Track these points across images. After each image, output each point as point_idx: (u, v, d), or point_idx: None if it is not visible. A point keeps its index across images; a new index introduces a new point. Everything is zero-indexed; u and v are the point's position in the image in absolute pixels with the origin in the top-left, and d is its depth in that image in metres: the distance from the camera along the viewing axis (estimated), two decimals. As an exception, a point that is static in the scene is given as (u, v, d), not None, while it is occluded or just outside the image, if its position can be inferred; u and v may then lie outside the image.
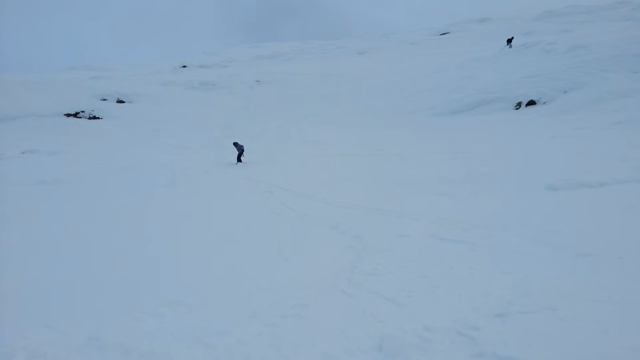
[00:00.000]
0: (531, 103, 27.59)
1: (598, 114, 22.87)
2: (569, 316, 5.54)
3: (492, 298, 6.37)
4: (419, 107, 32.09)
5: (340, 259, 9.15)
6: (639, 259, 7.20)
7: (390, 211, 12.08)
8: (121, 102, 38.37)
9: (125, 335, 6.23)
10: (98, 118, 33.93)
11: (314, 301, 6.98)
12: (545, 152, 16.61)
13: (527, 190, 12.62)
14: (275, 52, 65.91)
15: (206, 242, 10.69)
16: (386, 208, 12.34)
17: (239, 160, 20.35)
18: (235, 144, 20.62)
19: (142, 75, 53.53)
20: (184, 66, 63.16)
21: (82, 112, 34.44)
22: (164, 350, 5.67)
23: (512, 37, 44.63)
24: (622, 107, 22.75)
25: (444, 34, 65.98)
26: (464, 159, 16.87)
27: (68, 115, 33.87)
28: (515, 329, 5.42)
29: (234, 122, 31.37)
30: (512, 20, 64.63)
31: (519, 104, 27.94)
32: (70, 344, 6.14)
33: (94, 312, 7.11)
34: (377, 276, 7.95)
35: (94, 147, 25.17)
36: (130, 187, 16.36)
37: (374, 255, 9.09)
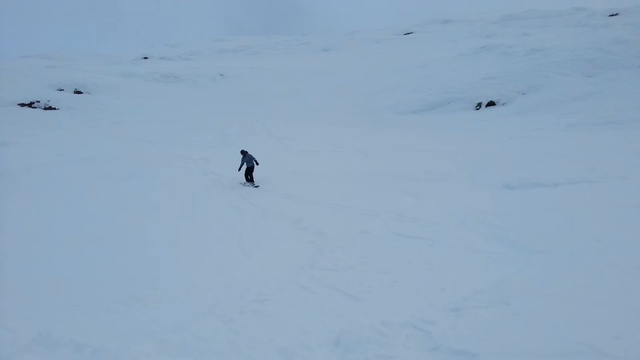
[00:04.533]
0: (491, 104, 28.27)
1: (554, 116, 23.65)
2: (521, 311, 5.71)
3: (448, 293, 6.50)
4: (382, 105, 32.38)
5: (301, 255, 9.16)
6: (589, 256, 7.47)
7: (352, 207, 12.17)
8: (79, 92, 37.13)
9: (77, 332, 6.05)
10: (54, 109, 32.73)
11: (273, 296, 6.96)
12: (503, 152, 17.05)
13: (485, 188, 12.94)
14: (240, 46, 65.23)
15: (163, 237, 10.47)
16: (348, 204, 12.42)
17: (248, 179, 15.56)
18: (243, 153, 15.66)
19: (101, 66, 52.03)
20: (145, 57, 61.73)
21: (37, 102, 33.15)
22: (116, 346, 5.53)
23: None
24: (577, 110, 23.61)
25: (408, 33, 66.79)
26: (425, 157, 17.12)
27: (22, 105, 32.52)
28: (469, 323, 5.54)
29: (197, 115, 30.89)
30: (473, 23, 66.01)
31: (479, 105, 28.57)
32: (18, 341, 5.91)
33: (45, 309, 6.87)
34: (337, 272, 8.00)
35: (48, 138, 24.30)
36: (85, 179, 15.86)
37: (334, 251, 9.15)
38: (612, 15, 48.52)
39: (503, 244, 8.53)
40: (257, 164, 15.63)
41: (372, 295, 6.82)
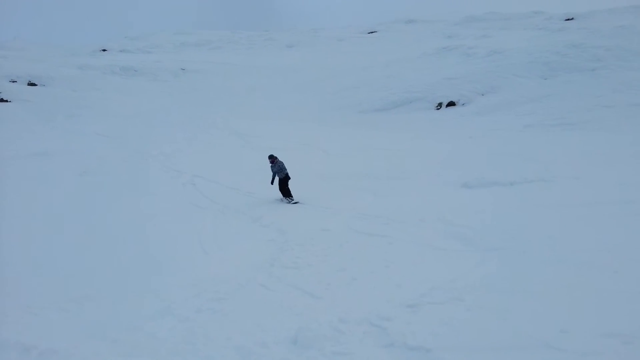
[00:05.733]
0: (451, 104, 28.79)
1: (511, 116, 24.30)
2: (475, 306, 5.85)
3: (405, 290, 6.60)
4: (346, 104, 32.51)
5: (262, 253, 9.12)
6: (541, 252, 7.73)
7: (314, 205, 12.18)
8: (33, 84, 35.77)
9: (25, 333, 5.83)
10: (6, 101, 31.44)
11: (232, 295, 6.90)
12: (462, 152, 17.41)
13: (445, 187, 13.20)
14: (202, 40, 64.04)
15: (121, 235, 10.24)
16: (309, 202, 12.42)
17: (284, 192, 12.90)
18: (272, 160, 13.18)
19: (58, 57, 50.21)
20: (104, 50, 59.94)
21: (-12, 93, 31.78)
22: (66, 347, 5.37)
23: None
24: (533, 111, 24.34)
25: (372, 32, 67.19)
26: (386, 156, 17.30)
27: (-30, 96, 31.13)
28: (424, 319, 5.64)
29: (157, 110, 30.26)
30: (435, 24, 66.94)
31: (439, 105, 29.07)
32: (-38, 344, 5.65)
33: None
34: (297, 269, 8.00)
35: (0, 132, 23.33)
36: (37, 175, 15.32)
37: (295, 248, 9.15)
38: (568, 19, 50.13)
39: (460, 241, 8.71)
40: (289, 176, 12.98)
41: (330, 292, 6.85)
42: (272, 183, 13.14)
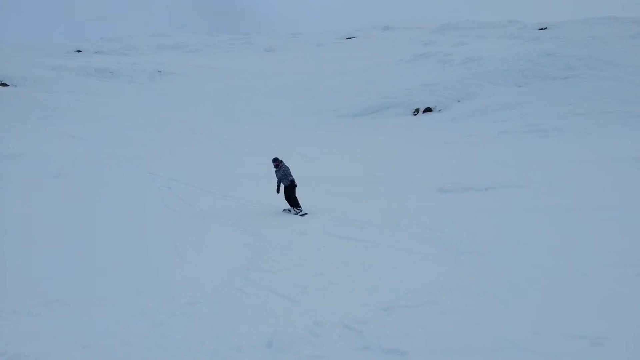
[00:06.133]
0: (428, 110, 29.16)
1: (486, 123, 24.72)
2: (448, 309, 5.93)
3: (381, 293, 6.64)
4: (324, 108, 32.63)
5: (238, 257, 9.06)
6: (514, 256, 7.87)
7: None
8: (4, 85, 35.03)
9: (-7, 338, 5.68)
10: (-24, 101, 30.69)
11: (207, 299, 6.83)
12: (438, 157, 17.63)
13: (421, 192, 13.33)
14: (179, 43, 63.56)
15: (94, 238, 10.06)
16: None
17: (291, 203, 11.67)
18: (277, 164, 11.78)
19: (31, 58, 49.25)
20: (79, 51, 59.06)
21: (-43, 93, 30.99)
22: (37, 352, 5.24)
23: None
24: (507, 118, 24.80)
25: (350, 38, 67.70)
26: (364, 160, 17.40)
27: (-61, 96, 30.31)
28: (399, 322, 5.69)
29: (133, 113, 29.90)
30: (413, 30, 67.84)
31: (416, 110, 29.40)
32: None
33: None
34: (274, 273, 7.97)
35: (-31, 132, 22.74)
36: (12, 177, 14.97)
37: (272, 252, 9.12)
38: (542, 29, 51.31)
39: (435, 245, 8.81)
40: (295, 183, 11.67)
41: (307, 296, 6.84)
42: (277, 191, 11.93)
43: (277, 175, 11.96)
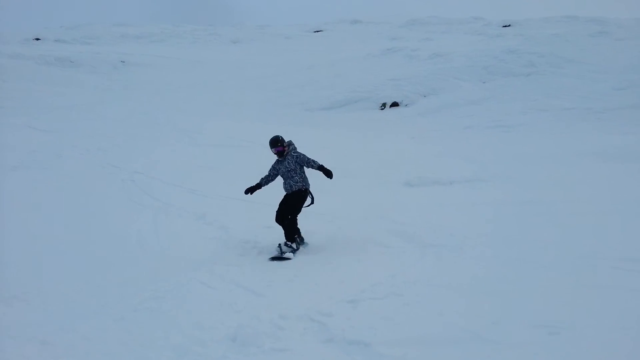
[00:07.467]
0: (394, 104, 29.39)
1: (451, 118, 25.11)
2: (413, 301, 6.02)
3: (347, 286, 6.69)
4: (292, 101, 32.49)
5: (204, 250, 9.00)
6: (476, 248, 8.06)
7: (258, 202, 12.05)
8: (-43, 73, 33.54)
9: (-56, 337, 5.45)
10: None
11: (170, 293, 6.73)
12: (405, 151, 17.81)
13: (387, 186, 13.49)
14: (143, 33, 61.86)
15: (54, 232, 9.78)
16: (255, 199, 12.29)
17: (291, 229, 8.69)
18: (281, 148, 9.17)
19: (-14, 45, 47.25)
20: (37, 39, 56.93)
21: None
22: (-9, 351, 5.07)
23: None
24: (472, 113, 25.26)
25: (317, 31, 67.40)
26: (331, 154, 17.35)
27: None
28: (364, 314, 5.74)
29: (95, 103, 29.10)
30: (380, 25, 67.98)
31: (383, 105, 29.60)
32: None
33: None
34: (240, 267, 7.95)
35: None
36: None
37: (239, 246, 9.09)
38: (506, 26, 52.27)
39: (401, 238, 8.93)
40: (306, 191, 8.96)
41: (272, 289, 6.83)
42: (252, 190, 9.44)
43: (278, 169, 9.00)
